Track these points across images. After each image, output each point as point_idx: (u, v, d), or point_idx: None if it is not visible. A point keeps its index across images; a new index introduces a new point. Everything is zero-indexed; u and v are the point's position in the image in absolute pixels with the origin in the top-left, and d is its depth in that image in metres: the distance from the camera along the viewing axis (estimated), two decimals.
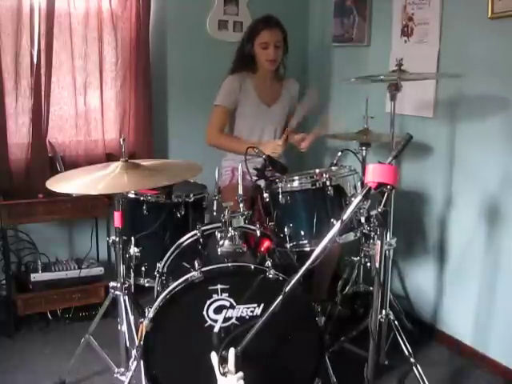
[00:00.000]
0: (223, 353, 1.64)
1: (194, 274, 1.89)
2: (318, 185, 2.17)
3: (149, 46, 3.19)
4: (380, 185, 1.60)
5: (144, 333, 1.88)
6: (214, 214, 2.24)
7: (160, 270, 2.24)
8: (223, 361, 1.63)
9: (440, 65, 2.76)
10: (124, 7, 3.08)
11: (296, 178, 2.20)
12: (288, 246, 2.19)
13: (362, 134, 2.77)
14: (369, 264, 2.64)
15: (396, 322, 2.35)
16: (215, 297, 1.88)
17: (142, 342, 1.89)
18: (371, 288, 2.74)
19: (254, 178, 2.27)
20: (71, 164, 2.89)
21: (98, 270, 3.03)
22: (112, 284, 2.22)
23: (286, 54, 2.94)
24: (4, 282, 2.93)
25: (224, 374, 1.60)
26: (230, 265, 1.97)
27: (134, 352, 1.98)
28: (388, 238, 2.34)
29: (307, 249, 2.16)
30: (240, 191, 2.17)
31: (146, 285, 2.41)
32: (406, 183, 3.00)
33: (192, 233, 2.29)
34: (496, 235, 2.57)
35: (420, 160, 2.93)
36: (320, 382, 2.03)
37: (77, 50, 3.02)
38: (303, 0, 3.70)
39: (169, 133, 3.44)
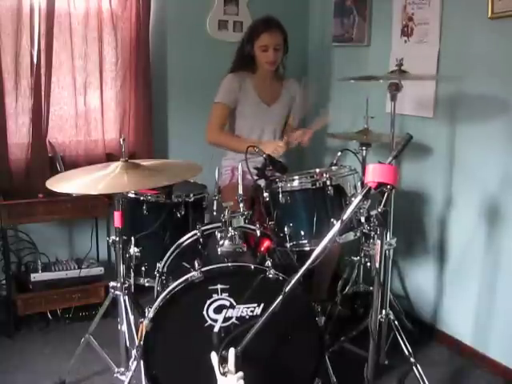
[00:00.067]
0: (223, 353, 1.64)
1: (193, 273, 1.89)
2: (318, 184, 2.17)
3: (149, 46, 3.19)
4: (380, 185, 1.60)
5: (144, 333, 1.88)
6: (214, 213, 2.25)
7: (160, 270, 2.24)
8: (223, 361, 1.63)
9: (440, 65, 2.76)
10: (124, 7, 3.08)
11: (296, 177, 2.20)
12: (288, 245, 2.19)
13: (362, 134, 2.77)
14: (369, 264, 2.64)
15: (396, 322, 2.35)
16: (215, 296, 1.88)
17: (141, 342, 1.89)
18: (371, 288, 2.74)
19: (255, 177, 2.27)
20: (71, 164, 2.89)
21: (98, 270, 3.03)
22: (112, 284, 2.22)
23: (285, 54, 2.94)
24: (4, 281, 2.93)
25: (224, 374, 1.60)
26: (230, 265, 1.97)
27: (133, 352, 1.98)
28: (388, 238, 2.34)
29: (307, 248, 2.16)
30: (240, 191, 2.17)
31: (146, 285, 2.41)
32: (406, 183, 3.00)
33: (192, 233, 2.29)
34: (496, 235, 2.57)
35: (420, 160, 2.92)
36: (320, 382, 2.03)
37: (77, 50, 3.02)
38: (303, 0, 3.69)
39: (169, 133, 3.44)
